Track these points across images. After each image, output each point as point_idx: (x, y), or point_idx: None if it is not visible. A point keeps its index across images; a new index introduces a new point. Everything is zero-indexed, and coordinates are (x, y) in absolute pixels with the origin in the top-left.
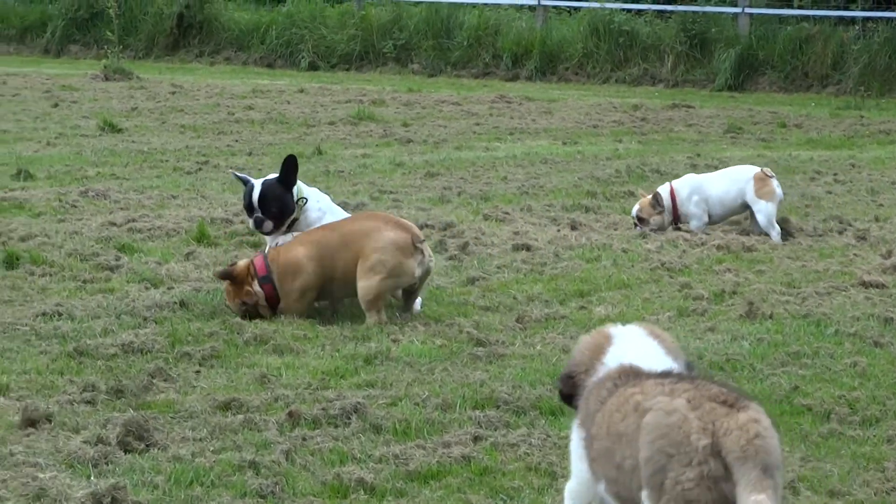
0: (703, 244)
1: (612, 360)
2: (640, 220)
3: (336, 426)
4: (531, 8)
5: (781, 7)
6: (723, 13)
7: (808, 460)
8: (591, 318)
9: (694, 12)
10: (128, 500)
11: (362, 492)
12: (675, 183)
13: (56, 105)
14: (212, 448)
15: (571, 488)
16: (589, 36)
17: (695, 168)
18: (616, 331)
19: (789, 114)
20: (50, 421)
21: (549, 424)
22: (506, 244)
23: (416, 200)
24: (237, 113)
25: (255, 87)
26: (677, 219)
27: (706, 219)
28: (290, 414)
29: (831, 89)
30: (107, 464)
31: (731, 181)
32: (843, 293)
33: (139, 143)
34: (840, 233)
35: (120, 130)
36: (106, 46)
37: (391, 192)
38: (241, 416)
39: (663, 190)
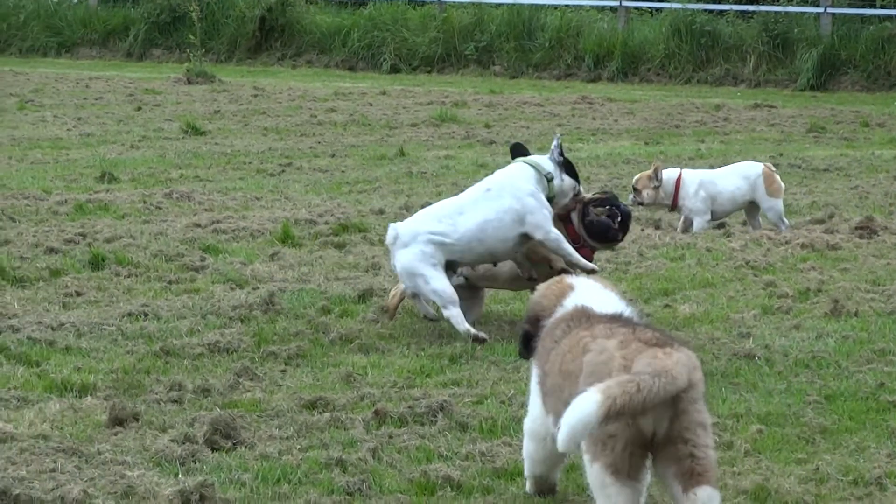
0: (787, 242)
1: (571, 304)
2: (635, 190)
3: (422, 424)
4: (613, 9)
5: (863, 6)
6: (805, 13)
7: (895, 457)
8: (675, 316)
9: (776, 12)
10: (216, 498)
11: (449, 489)
12: (686, 172)
13: (139, 108)
14: (298, 446)
15: (528, 425)
16: (671, 36)
17: (778, 167)
18: (576, 280)
19: (872, 113)
20: (137, 420)
21: None
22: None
23: None
24: (319, 115)
25: (336, 90)
26: (674, 205)
27: (709, 216)
28: (377, 412)
29: None
30: (194, 462)
31: (741, 178)
32: None
33: (222, 145)
34: None
35: (203, 133)
36: (188, 50)
37: None
38: (327, 415)
39: (672, 172)
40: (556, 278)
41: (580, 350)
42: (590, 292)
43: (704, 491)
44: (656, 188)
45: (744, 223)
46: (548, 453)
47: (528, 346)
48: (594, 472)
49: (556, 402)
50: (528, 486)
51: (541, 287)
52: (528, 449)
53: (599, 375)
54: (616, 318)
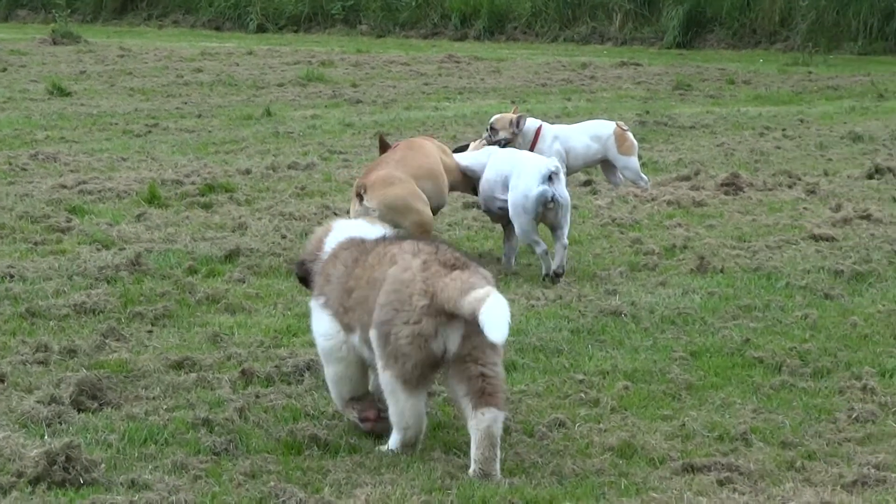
0: (653, 199)
1: (331, 243)
2: (491, 129)
3: (289, 384)
4: None
5: None
6: None
7: (760, 412)
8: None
9: None
10: (81, 459)
11: (316, 448)
12: (546, 125)
13: (4, 69)
14: (165, 406)
15: (325, 347)
16: None
17: (644, 125)
18: (337, 222)
19: (738, 70)
20: (3, 381)
21: None
22: (456, 202)
23: (366, 160)
24: (186, 75)
25: (203, 50)
26: (532, 149)
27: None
28: (243, 372)
29: (779, 46)
30: (60, 423)
31: (592, 137)
32: (794, 246)
33: (88, 106)
34: (790, 187)
35: (69, 94)
36: (53, 10)
37: (341, 153)
38: (193, 375)
39: (532, 123)
40: (323, 224)
41: (388, 261)
42: (350, 227)
43: (491, 412)
44: (515, 134)
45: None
46: (352, 368)
47: (305, 283)
48: (385, 379)
49: (362, 314)
50: (347, 416)
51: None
52: (331, 372)
53: (399, 295)
54: (423, 239)
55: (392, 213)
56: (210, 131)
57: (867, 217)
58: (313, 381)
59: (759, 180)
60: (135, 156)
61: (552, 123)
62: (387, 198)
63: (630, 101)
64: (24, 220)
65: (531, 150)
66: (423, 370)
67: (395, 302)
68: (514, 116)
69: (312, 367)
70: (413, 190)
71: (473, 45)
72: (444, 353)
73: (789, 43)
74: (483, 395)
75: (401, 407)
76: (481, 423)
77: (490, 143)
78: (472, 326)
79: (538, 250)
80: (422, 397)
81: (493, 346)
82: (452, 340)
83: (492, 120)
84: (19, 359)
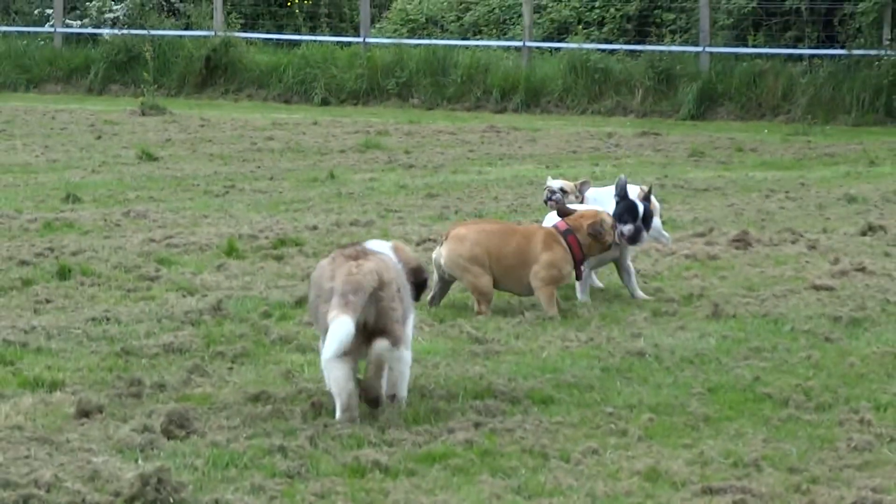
0: (672, 254)
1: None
2: (563, 191)
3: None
4: (517, 49)
5: (738, 46)
6: (686, 52)
7: (769, 441)
8: (578, 319)
9: (660, 51)
10: (171, 481)
11: (378, 472)
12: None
13: (99, 137)
14: (244, 435)
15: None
16: (568, 73)
17: (663, 188)
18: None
19: (745, 139)
20: (101, 412)
21: (540, 412)
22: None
23: (419, 218)
24: (259, 143)
25: (274, 121)
26: None
27: None
28: (313, 404)
29: (782, 118)
30: (152, 449)
31: None
32: (797, 295)
33: (173, 170)
34: (793, 242)
35: (156, 159)
36: (142, 86)
37: (396, 211)
38: (269, 407)
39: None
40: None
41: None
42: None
43: (380, 342)
44: (578, 197)
45: None
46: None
47: None
48: (323, 358)
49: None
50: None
51: None
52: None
53: (317, 284)
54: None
55: (451, 269)
56: (281, 192)
57: (862, 269)
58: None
59: (765, 237)
60: (214, 214)
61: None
62: (449, 254)
63: (650, 166)
64: (119, 270)
65: None
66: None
67: (315, 289)
68: (579, 182)
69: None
70: (475, 255)
71: (512, 116)
72: (364, 324)
73: (791, 115)
74: (376, 334)
75: (333, 375)
76: (373, 350)
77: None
78: (379, 302)
79: None
80: (350, 367)
81: (394, 309)
82: (369, 314)
83: (559, 185)
84: (115, 392)
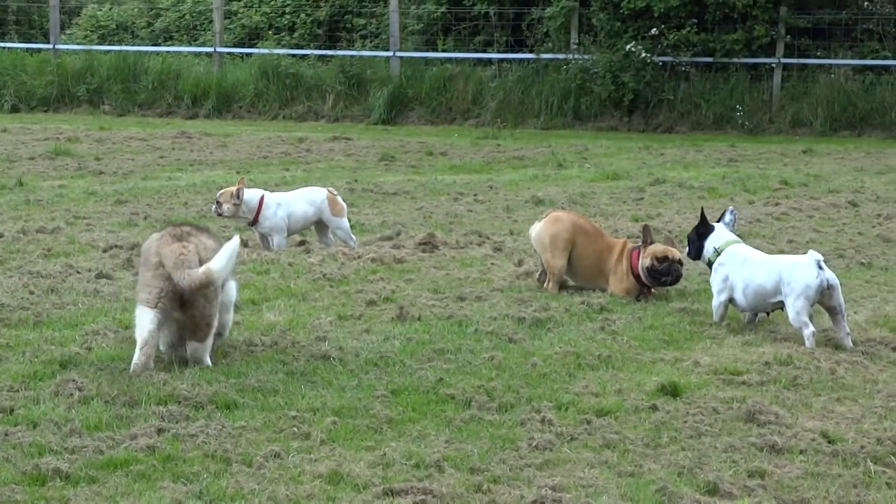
0: (359, 257)
1: None
2: (217, 203)
3: (36, 424)
4: (208, 54)
5: (428, 51)
6: (376, 56)
7: (452, 442)
8: (262, 322)
9: (351, 56)
10: None
11: (59, 479)
12: (268, 194)
13: None
14: None
15: None
16: (259, 78)
17: (353, 192)
18: None
19: (436, 143)
20: None
21: (224, 416)
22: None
23: (108, 225)
24: None
25: None
26: (255, 221)
27: (286, 233)
28: None
29: (472, 121)
30: None
31: (308, 202)
32: (482, 297)
33: None
34: (479, 245)
35: None
36: None
37: (85, 218)
38: None
39: (254, 192)
40: None
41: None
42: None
43: (191, 344)
44: (237, 205)
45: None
46: None
47: None
48: (137, 307)
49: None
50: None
51: None
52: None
53: (145, 256)
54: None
55: (536, 243)
56: None
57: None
58: (55, 420)
59: (452, 239)
60: None
61: (272, 191)
62: (540, 230)
63: (341, 170)
64: None
65: (256, 216)
66: (163, 298)
67: (142, 260)
68: (235, 189)
69: (55, 407)
70: (561, 236)
71: (204, 122)
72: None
73: (480, 119)
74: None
75: (139, 319)
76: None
77: (217, 215)
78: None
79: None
80: (155, 317)
81: (205, 295)
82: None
83: (217, 195)
84: None
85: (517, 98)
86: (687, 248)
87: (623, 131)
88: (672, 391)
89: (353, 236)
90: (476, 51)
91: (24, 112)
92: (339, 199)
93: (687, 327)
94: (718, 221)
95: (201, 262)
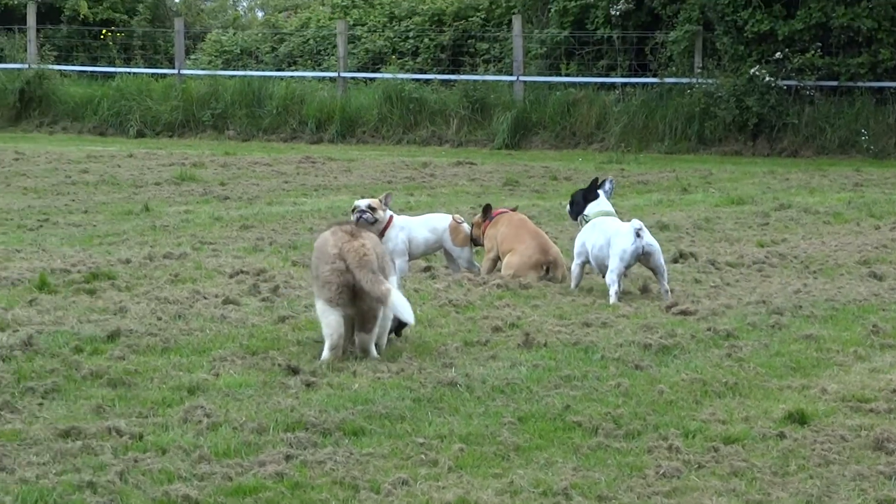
0: (485, 283)
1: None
2: (371, 209)
3: (165, 451)
4: (332, 79)
5: (551, 75)
6: (500, 81)
7: (579, 470)
8: (389, 348)
9: (475, 81)
10: None
11: None
12: (397, 216)
13: None
14: (54, 471)
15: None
16: (383, 103)
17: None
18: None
19: (559, 168)
20: None
21: (351, 443)
22: (312, 287)
23: (233, 250)
24: (73, 176)
25: (89, 153)
26: (381, 237)
27: (407, 257)
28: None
29: (596, 146)
30: None
31: (429, 229)
32: (608, 323)
33: None
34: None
35: None
36: None
37: (211, 244)
38: (79, 443)
39: (388, 211)
40: None
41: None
42: None
43: (360, 336)
44: (384, 211)
45: (446, 266)
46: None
47: None
48: (319, 305)
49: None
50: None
51: None
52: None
53: (320, 250)
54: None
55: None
56: (95, 225)
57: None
58: (186, 447)
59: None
60: (28, 248)
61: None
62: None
63: (465, 195)
64: None
65: (381, 234)
66: (343, 293)
67: (318, 255)
68: (384, 196)
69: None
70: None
71: (328, 147)
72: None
73: (604, 143)
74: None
75: (327, 320)
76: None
77: (366, 223)
78: None
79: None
80: (343, 317)
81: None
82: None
83: (367, 203)
84: None
85: (641, 122)
86: (568, 207)
87: (747, 156)
88: (799, 419)
89: (477, 264)
90: (599, 75)
91: (150, 137)
92: (464, 226)
93: (814, 354)
94: (599, 188)
95: None
